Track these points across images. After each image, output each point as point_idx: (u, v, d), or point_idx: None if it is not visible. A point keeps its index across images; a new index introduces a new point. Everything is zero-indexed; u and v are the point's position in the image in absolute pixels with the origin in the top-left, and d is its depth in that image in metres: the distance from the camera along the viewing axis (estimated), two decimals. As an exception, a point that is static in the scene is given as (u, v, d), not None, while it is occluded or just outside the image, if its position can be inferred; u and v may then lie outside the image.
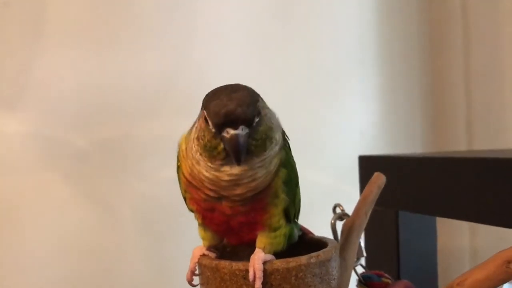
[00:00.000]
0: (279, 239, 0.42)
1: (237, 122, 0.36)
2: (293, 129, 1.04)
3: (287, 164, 0.42)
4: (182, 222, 0.97)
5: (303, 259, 0.40)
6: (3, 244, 0.85)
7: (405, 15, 1.12)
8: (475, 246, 1.04)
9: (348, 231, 0.52)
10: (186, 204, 0.45)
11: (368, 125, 1.08)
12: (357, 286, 0.55)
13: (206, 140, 0.39)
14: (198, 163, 0.40)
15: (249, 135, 0.37)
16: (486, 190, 0.57)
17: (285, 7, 1.04)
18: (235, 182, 0.39)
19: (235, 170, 0.38)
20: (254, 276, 0.38)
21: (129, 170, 0.93)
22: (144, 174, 0.94)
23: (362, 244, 0.55)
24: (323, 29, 1.07)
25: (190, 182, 0.41)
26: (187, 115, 0.97)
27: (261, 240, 0.42)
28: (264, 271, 0.39)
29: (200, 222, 0.45)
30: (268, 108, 0.41)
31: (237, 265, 0.40)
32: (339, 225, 0.54)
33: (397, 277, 0.63)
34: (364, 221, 0.53)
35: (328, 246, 0.44)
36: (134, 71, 0.93)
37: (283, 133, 0.44)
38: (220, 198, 0.40)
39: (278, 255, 0.41)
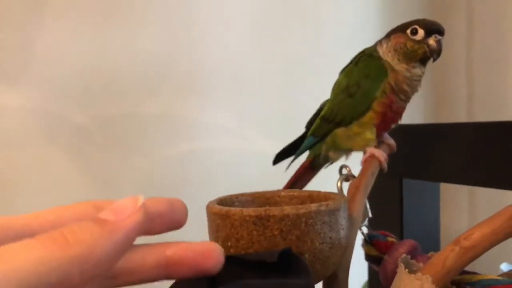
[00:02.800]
0: None
1: (441, 33, 0.54)
2: (294, 107, 1.04)
3: None
4: (184, 200, 0.98)
5: (313, 206, 0.40)
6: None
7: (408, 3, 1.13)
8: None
9: (355, 191, 0.52)
10: (369, 108, 0.57)
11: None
12: (362, 245, 0.55)
13: (408, 47, 0.55)
14: (401, 70, 0.55)
15: None
16: (486, 154, 0.58)
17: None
18: (418, 81, 0.56)
19: (418, 72, 0.55)
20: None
21: (130, 147, 0.93)
22: (145, 151, 0.94)
23: (368, 206, 0.55)
24: (324, 8, 1.07)
25: (393, 89, 0.56)
26: (188, 93, 0.97)
27: (387, 138, 0.61)
28: (274, 217, 0.39)
29: (375, 122, 0.57)
30: None
31: (247, 211, 0.40)
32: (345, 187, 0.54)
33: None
34: (370, 181, 0.54)
35: (338, 197, 0.44)
36: (136, 49, 0.93)
37: None
38: (403, 100, 0.56)
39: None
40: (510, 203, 0.88)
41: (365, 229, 0.55)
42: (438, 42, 0.54)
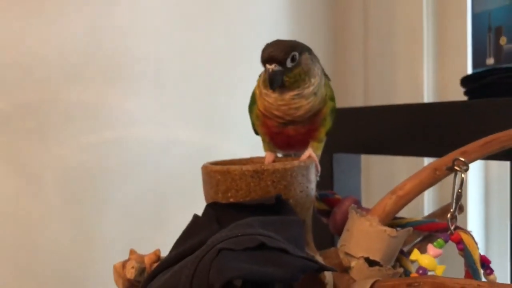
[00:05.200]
0: (321, 145, 0.61)
1: (271, 61, 0.53)
2: (213, 99, 1.09)
3: (332, 98, 0.60)
4: (106, 188, 0.99)
5: (295, 162, 0.52)
6: None
7: (313, 2, 1.26)
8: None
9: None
10: (254, 128, 0.62)
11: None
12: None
13: (263, 75, 0.56)
14: (266, 95, 0.56)
15: (281, 73, 0.53)
16: (396, 130, 0.74)
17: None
18: (289, 106, 0.55)
19: (280, 97, 0.55)
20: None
21: (52, 135, 0.93)
22: (67, 139, 0.94)
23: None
24: (243, 7, 1.14)
25: (264, 114, 0.57)
26: (110, 80, 1.00)
27: (312, 145, 0.60)
28: (267, 170, 0.50)
29: (267, 141, 0.61)
30: (313, 61, 0.57)
31: (246, 167, 0.50)
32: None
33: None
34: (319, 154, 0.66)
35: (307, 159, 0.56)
36: (57, 34, 0.93)
37: (326, 77, 0.59)
38: (287, 124, 0.57)
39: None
40: (396, 168, 1.07)
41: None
42: (267, 72, 0.54)
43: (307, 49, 0.57)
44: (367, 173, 1.16)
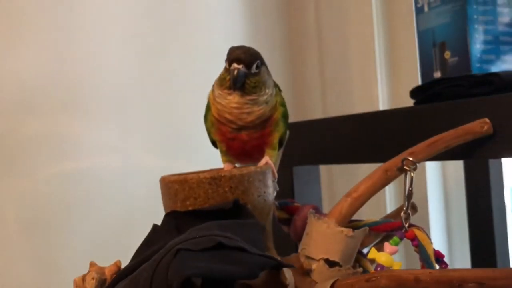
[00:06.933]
0: (275, 152, 0.62)
1: (240, 61, 0.56)
2: (175, 122, 1.09)
3: (283, 105, 0.63)
4: (71, 220, 0.97)
5: (251, 168, 0.53)
6: None
7: (269, 23, 1.28)
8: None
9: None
10: (210, 137, 0.63)
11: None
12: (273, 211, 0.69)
13: (221, 73, 0.59)
14: (219, 97, 0.58)
15: (245, 74, 0.56)
16: (351, 139, 0.77)
17: (158, 7, 1.10)
18: (241, 110, 0.57)
19: (235, 99, 0.57)
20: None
21: (11, 167, 0.92)
22: (27, 171, 0.93)
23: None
24: (196, 29, 1.14)
25: (218, 120, 0.59)
26: (68, 112, 0.99)
27: (268, 152, 0.60)
28: (225, 177, 0.51)
29: (224, 150, 0.61)
30: (268, 74, 0.61)
31: (203, 174, 0.51)
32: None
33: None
34: (277, 161, 0.68)
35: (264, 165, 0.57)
36: (13, 67, 0.93)
37: (278, 87, 0.63)
38: (240, 129, 0.58)
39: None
40: (360, 176, 1.09)
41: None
42: (233, 71, 0.56)
43: (265, 64, 0.60)
44: (330, 183, 1.19)
